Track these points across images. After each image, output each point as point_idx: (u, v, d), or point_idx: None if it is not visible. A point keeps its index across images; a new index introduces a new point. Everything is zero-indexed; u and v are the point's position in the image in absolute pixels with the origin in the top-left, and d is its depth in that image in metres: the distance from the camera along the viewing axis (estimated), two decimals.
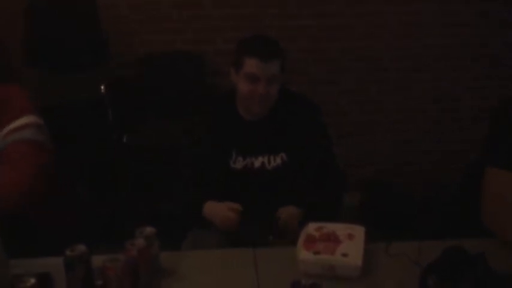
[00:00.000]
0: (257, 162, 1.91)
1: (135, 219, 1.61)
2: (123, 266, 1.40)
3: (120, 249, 1.44)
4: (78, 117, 2.68)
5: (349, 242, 1.58)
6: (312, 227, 1.66)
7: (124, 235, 1.50)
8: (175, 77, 3.21)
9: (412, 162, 3.53)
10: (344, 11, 3.20)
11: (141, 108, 2.68)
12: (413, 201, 3.21)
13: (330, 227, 1.65)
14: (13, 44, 2.91)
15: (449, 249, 1.46)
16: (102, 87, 2.76)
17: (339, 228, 1.64)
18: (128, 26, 3.13)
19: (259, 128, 1.92)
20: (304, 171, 1.92)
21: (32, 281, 1.31)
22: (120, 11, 3.10)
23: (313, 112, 1.96)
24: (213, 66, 3.15)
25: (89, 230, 1.99)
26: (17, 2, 2.84)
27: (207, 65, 3.19)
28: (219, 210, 1.81)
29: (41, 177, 1.71)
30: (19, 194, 1.67)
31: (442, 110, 3.47)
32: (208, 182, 1.91)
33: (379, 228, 1.83)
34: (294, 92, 1.98)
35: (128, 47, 3.13)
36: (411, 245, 1.61)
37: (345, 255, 1.54)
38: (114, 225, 2.58)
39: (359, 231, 1.64)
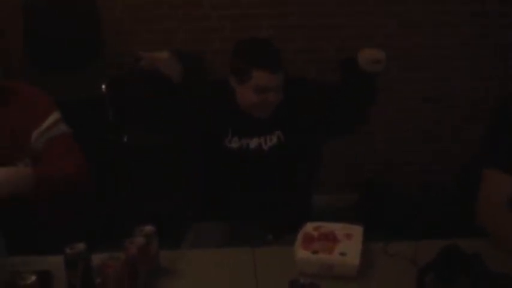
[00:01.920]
0: (253, 143, 1.92)
1: (135, 219, 1.61)
2: (123, 264, 1.41)
3: (119, 248, 1.45)
4: (78, 117, 2.68)
5: (347, 242, 1.59)
6: (310, 226, 1.66)
7: (124, 234, 1.50)
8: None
9: (412, 162, 3.54)
10: (340, 10, 3.21)
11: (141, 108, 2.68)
12: (412, 201, 3.21)
13: (328, 226, 1.66)
14: (13, 43, 2.92)
15: (446, 249, 1.47)
16: (103, 86, 2.76)
17: (337, 228, 1.65)
18: (126, 25, 3.13)
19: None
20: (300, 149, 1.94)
21: (33, 278, 1.32)
22: (117, 10, 3.11)
23: (302, 85, 1.97)
24: (210, 66, 3.15)
25: (89, 230, 2.00)
26: (17, 1, 2.84)
27: (204, 65, 3.19)
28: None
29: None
30: (79, 175, 1.73)
31: (441, 110, 3.47)
32: (204, 160, 1.92)
33: (378, 228, 1.84)
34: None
35: (125, 46, 3.13)
36: (408, 244, 1.62)
37: (343, 254, 1.54)
38: (114, 225, 2.59)
39: (357, 230, 1.65)
